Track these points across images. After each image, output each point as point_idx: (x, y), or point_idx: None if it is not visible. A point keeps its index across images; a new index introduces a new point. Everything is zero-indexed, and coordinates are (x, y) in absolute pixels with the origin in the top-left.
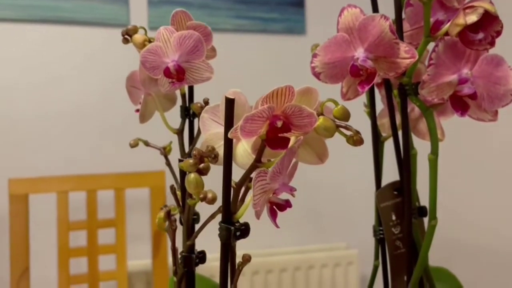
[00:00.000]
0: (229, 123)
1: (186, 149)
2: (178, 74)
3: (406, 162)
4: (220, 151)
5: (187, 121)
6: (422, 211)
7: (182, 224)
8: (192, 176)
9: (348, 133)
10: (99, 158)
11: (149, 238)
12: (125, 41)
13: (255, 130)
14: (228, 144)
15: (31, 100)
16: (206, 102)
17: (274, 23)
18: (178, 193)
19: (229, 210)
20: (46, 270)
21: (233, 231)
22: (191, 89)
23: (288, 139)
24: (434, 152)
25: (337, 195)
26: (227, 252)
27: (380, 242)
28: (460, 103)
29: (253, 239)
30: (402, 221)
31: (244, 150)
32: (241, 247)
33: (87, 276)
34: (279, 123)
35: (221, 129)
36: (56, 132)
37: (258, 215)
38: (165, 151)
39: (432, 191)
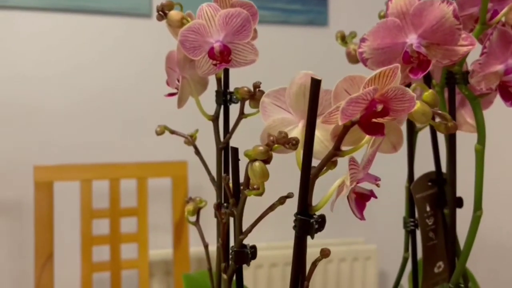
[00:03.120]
0: (314, 106)
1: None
2: (223, 56)
3: (451, 152)
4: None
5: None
6: (458, 202)
7: (216, 217)
8: (257, 164)
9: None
10: (122, 147)
11: (170, 228)
12: (160, 17)
13: (355, 113)
14: (311, 130)
15: (55, 89)
16: (257, 86)
17: (296, 15)
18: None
19: (306, 201)
20: (69, 257)
21: (313, 223)
22: (226, 73)
23: (383, 125)
24: (481, 142)
25: None
26: (302, 245)
27: (410, 233)
28: (508, 93)
29: (271, 232)
30: (436, 212)
31: (316, 137)
32: (255, 240)
33: (109, 264)
34: (379, 107)
35: (285, 115)
36: (80, 121)
37: (333, 206)
38: (192, 139)
39: (478, 182)
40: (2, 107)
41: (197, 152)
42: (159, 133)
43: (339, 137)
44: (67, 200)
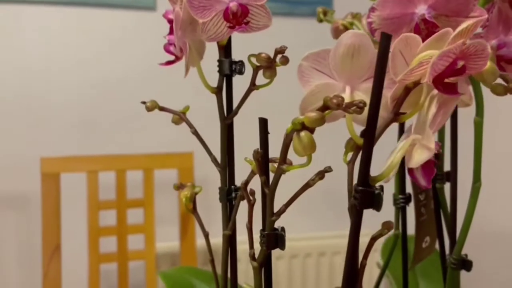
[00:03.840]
0: (383, 63)
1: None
2: (237, 17)
3: (453, 127)
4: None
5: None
6: (448, 176)
7: (220, 201)
8: (304, 134)
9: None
10: (128, 138)
11: (176, 220)
12: None
13: (442, 69)
14: (378, 90)
15: (62, 82)
16: (282, 51)
17: (301, 6)
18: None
19: (368, 170)
20: (77, 248)
21: (379, 194)
22: (229, 41)
23: (456, 84)
24: (480, 114)
25: None
26: (360, 220)
27: (401, 210)
28: (500, 67)
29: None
30: (427, 188)
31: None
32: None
33: (116, 255)
34: (460, 63)
35: (328, 80)
36: (86, 113)
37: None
38: (184, 115)
39: (477, 154)
40: (9, 100)
41: (193, 130)
42: (150, 108)
43: (399, 100)
44: (74, 192)
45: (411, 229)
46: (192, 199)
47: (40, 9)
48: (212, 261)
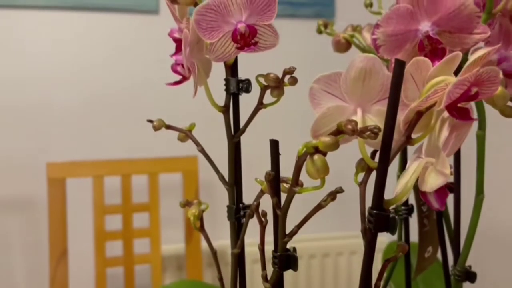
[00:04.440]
0: (397, 89)
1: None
2: (245, 38)
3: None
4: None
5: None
6: (451, 188)
7: (231, 220)
8: (317, 158)
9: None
10: (133, 143)
11: (181, 223)
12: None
13: (457, 96)
14: (393, 115)
15: (67, 87)
16: (291, 72)
17: (303, 8)
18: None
19: (383, 194)
20: (83, 252)
21: (394, 218)
22: (236, 60)
23: (469, 110)
24: (482, 128)
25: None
26: (374, 242)
27: (403, 221)
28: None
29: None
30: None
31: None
32: (268, 234)
33: (122, 259)
34: (474, 90)
35: (339, 102)
36: (91, 118)
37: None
38: (189, 133)
39: (480, 167)
40: (15, 105)
41: (200, 148)
42: (157, 127)
43: (412, 123)
44: (80, 197)
45: (413, 238)
46: (200, 217)
47: (44, 15)
48: (221, 279)
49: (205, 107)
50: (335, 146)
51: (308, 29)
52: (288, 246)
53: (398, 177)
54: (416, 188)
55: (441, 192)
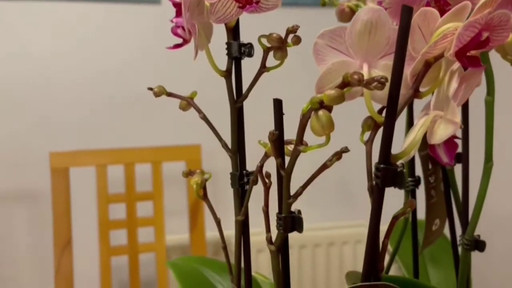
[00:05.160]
0: (404, 37)
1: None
2: None
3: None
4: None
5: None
6: (458, 158)
7: (234, 187)
8: (322, 113)
9: None
10: (136, 132)
11: (186, 213)
12: None
13: (467, 40)
14: (400, 65)
15: (69, 77)
16: (294, 31)
17: None
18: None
19: (390, 147)
20: (87, 241)
21: (401, 172)
22: (237, 23)
23: (478, 58)
24: (491, 93)
25: None
26: (382, 198)
27: (410, 193)
28: None
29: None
30: (436, 170)
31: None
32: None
33: (127, 248)
34: (485, 35)
35: (344, 57)
36: (93, 107)
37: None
38: (191, 100)
39: (489, 134)
40: (17, 96)
41: (202, 115)
42: (158, 93)
43: (420, 75)
44: (83, 186)
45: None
46: (203, 186)
47: (44, 5)
48: (225, 248)
49: (207, 82)
50: (340, 98)
51: (309, 16)
52: (299, 234)
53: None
54: (423, 159)
55: (451, 144)
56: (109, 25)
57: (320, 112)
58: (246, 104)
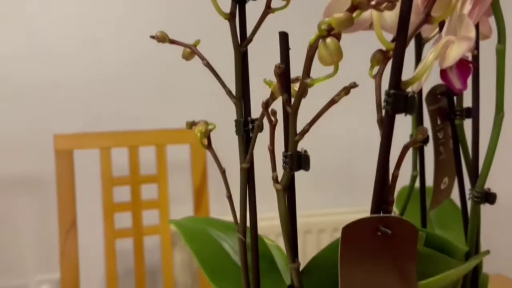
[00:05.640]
0: None
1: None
2: None
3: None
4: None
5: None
6: (469, 113)
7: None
8: (330, 40)
9: None
10: (140, 114)
11: (190, 198)
12: None
13: None
14: None
15: (74, 60)
16: None
17: None
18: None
19: (400, 72)
20: (92, 224)
21: (412, 97)
22: None
23: None
24: (502, 41)
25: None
26: (392, 125)
27: (418, 150)
28: None
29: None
30: (445, 126)
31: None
32: (274, 209)
33: (131, 230)
34: None
35: None
36: (98, 90)
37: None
38: (195, 48)
39: (500, 83)
40: (22, 79)
41: (205, 62)
42: (160, 39)
43: (430, 1)
44: (88, 169)
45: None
46: (207, 135)
47: None
48: (230, 197)
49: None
50: (349, 21)
51: None
52: (298, 219)
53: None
54: (432, 113)
55: (464, 68)
56: (111, 8)
57: (328, 40)
58: (251, 48)
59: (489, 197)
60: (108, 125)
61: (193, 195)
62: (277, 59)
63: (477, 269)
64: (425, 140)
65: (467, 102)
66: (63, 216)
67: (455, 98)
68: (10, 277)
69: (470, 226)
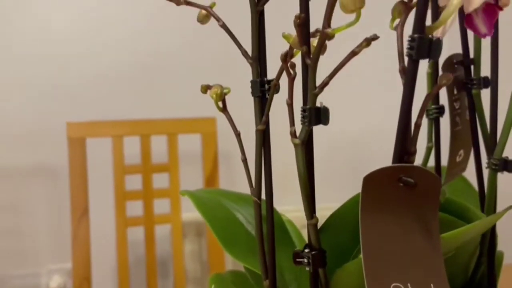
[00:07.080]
0: None
1: None
2: None
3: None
4: None
5: None
6: (486, 82)
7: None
8: None
9: None
10: (152, 103)
11: (201, 187)
12: None
13: None
14: None
15: (86, 49)
16: None
17: None
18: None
19: (424, 16)
20: (104, 212)
21: (438, 41)
22: None
23: None
24: None
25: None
26: (416, 70)
27: (434, 121)
28: None
29: (297, 194)
30: (462, 95)
31: None
32: (284, 203)
33: (143, 219)
34: None
35: None
36: (110, 79)
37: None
38: (211, 9)
39: None
40: (33, 67)
41: (221, 23)
42: (175, 1)
43: None
44: (100, 156)
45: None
46: (222, 97)
47: None
48: (245, 160)
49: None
50: None
51: None
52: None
53: (428, 74)
54: (448, 86)
55: (490, 11)
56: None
57: None
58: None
59: (508, 165)
60: (120, 113)
61: (204, 184)
62: (291, 24)
63: (494, 241)
64: (441, 112)
65: (484, 71)
66: (75, 203)
67: (472, 67)
68: (23, 266)
69: (488, 195)
